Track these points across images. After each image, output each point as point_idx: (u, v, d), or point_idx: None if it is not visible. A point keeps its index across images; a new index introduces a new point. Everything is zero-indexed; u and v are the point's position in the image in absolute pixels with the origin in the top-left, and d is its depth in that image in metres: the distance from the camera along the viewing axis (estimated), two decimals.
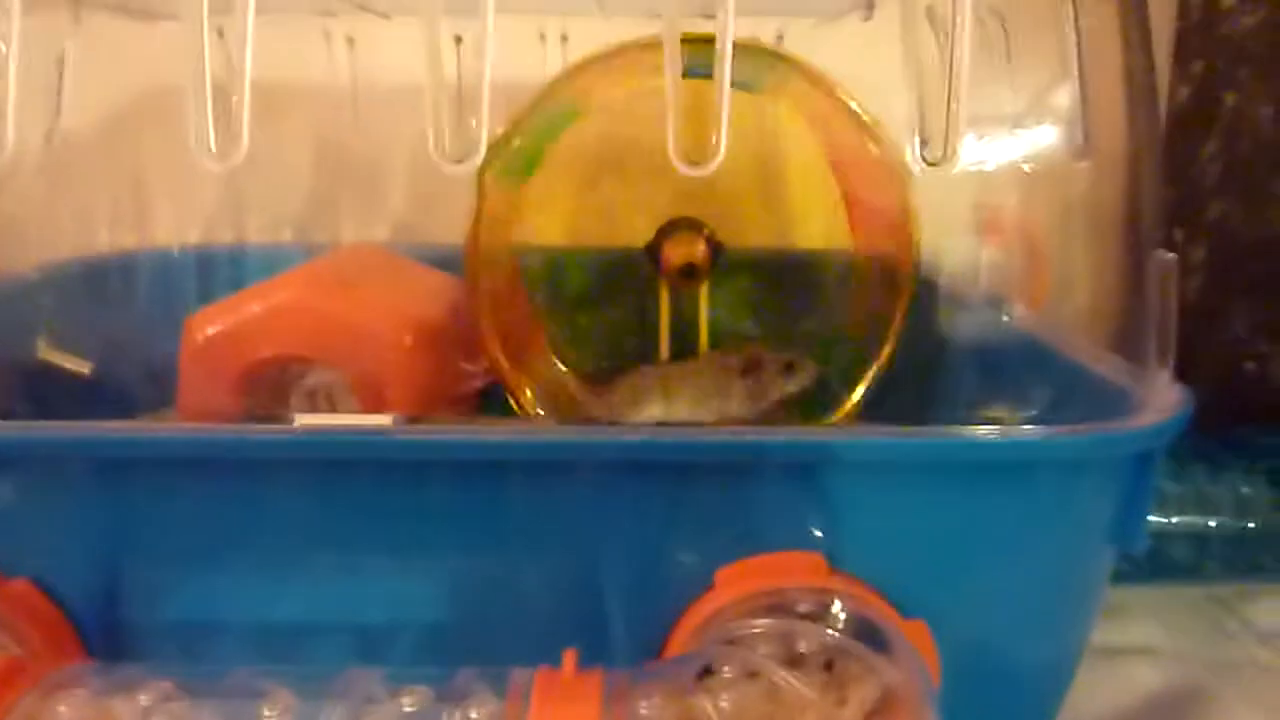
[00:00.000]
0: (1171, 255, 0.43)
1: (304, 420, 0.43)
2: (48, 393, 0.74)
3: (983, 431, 0.44)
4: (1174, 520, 0.78)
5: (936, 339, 0.71)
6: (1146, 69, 0.43)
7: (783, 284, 0.81)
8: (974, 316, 0.64)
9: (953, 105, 0.48)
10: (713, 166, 0.46)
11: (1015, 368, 0.59)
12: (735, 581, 0.42)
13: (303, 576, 0.44)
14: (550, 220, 0.81)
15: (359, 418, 0.42)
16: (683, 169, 0.45)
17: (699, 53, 0.75)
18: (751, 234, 0.81)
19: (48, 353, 0.73)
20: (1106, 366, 0.51)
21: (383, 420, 0.41)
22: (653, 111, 0.83)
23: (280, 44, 0.52)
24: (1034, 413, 0.56)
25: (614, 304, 0.81)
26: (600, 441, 0.44)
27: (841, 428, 0.64)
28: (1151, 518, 0.59)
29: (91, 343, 0.76)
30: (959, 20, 0.44)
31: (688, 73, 0.75)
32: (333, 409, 0.67)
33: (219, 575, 0.45)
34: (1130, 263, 0.46)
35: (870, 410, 0.70)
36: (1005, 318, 0.61)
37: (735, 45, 0.71)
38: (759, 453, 0.43)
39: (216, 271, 0.84)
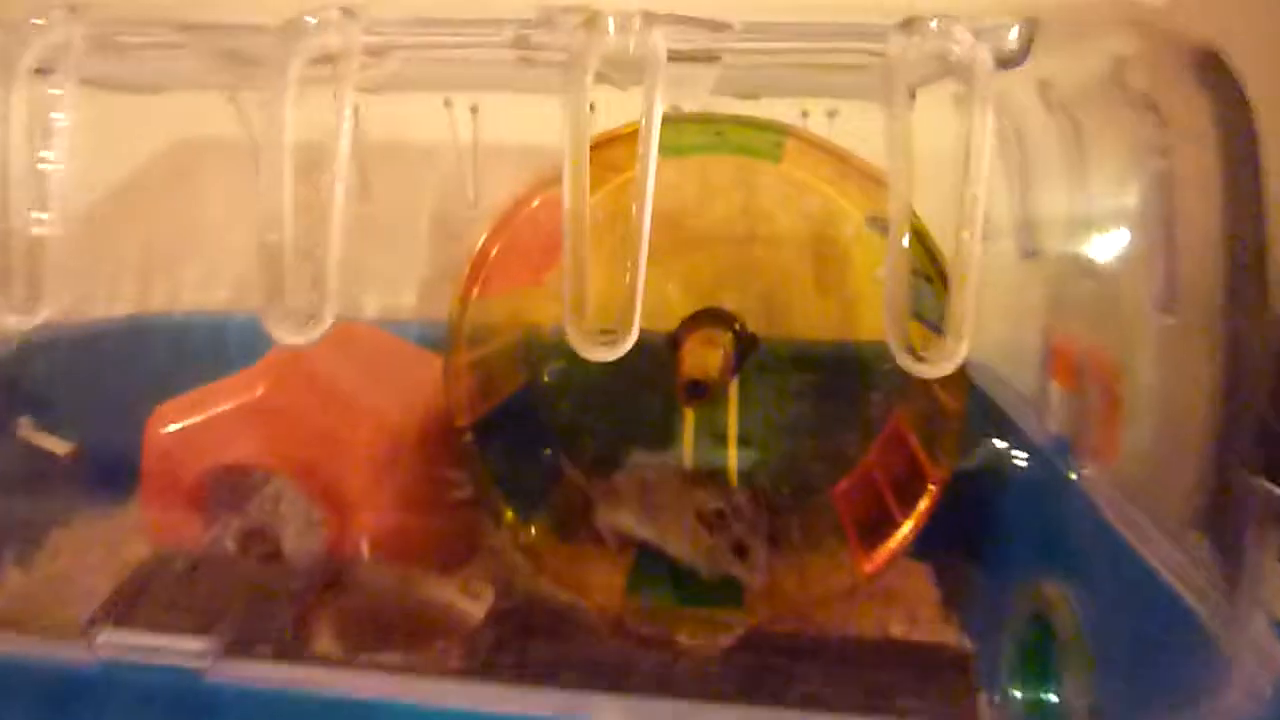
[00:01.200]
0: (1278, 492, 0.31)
1: (108, 637, 0.35)
2: (37, 469, 0.70)
3: None
4: None
5: (993, 472, 0.59)
6: (1256, 237, 0.32)
7: (834, 380, 0.70)
8: (1035, 463, 0.52)
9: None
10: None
11: (1077, 540, 0.47)
12: None
13: None
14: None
15: (166, 640, 0.34)
16: None
17: (709, 129, 0.65)
18: (802, 324, 0.71)
19: (29, 432, 0.69)
20: (1186, 582, 0.38)
21: (194, 645, 0.33)
22: (686, 181, 0.74)
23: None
24: (1096, 608, 0.44)
25: (637, 400, 0.71)
26: None
27: None
28: None
29: (82, 418, 0.71)
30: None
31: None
32: (295, 519, 0.61)
33: None
34: (1218, 470, 0.34)
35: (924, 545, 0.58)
36: (1072, 474, 0.49)
37: (739, 118, 0.62)
38: None
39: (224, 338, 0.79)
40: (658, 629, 0.59)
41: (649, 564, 0.65)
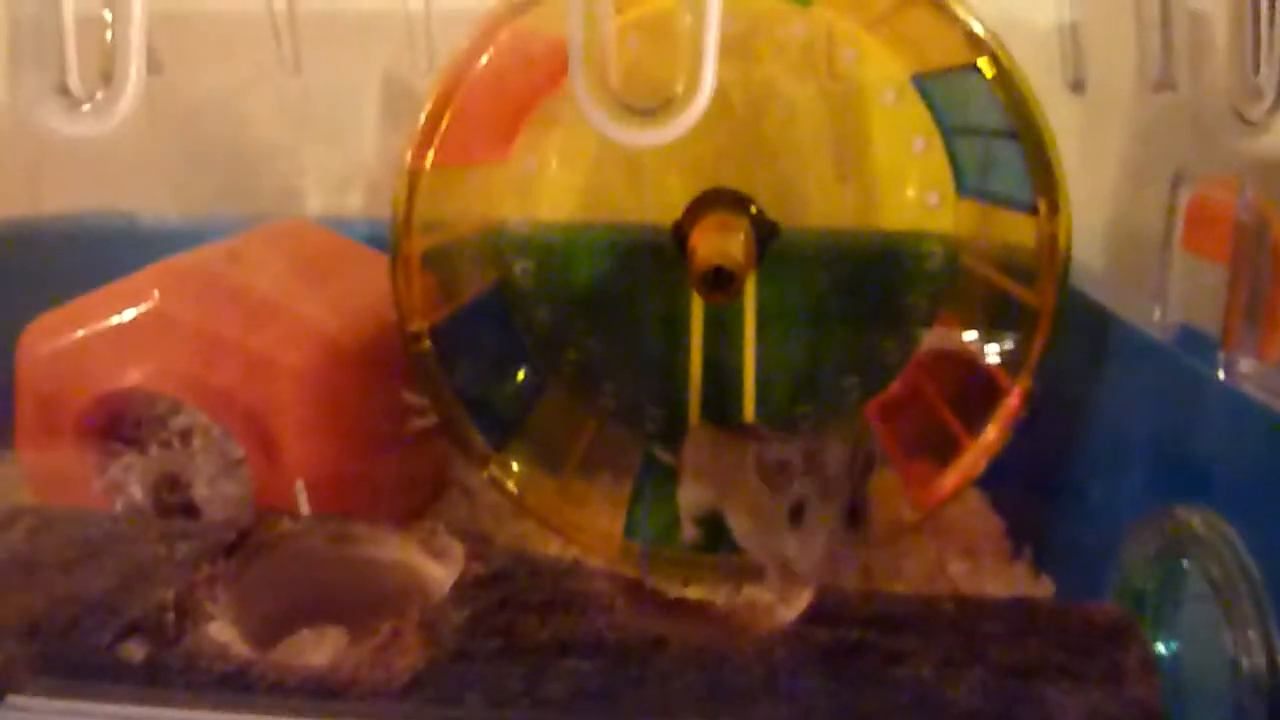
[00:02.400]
0: None
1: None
2: None
3: None
4: None
5: (1099, 382, 0.47)
6: None
7: (865, 276, 0.58)
8: (1162, 361, 0.40)
9: None
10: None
11: (1232, 457, 0.36)
12: None
13: None
14: (558, 193, 0.58)
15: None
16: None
17: None
18: (819, 210, 0.58)
19: None
20: None
21: None
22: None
23: None
24: (1265, 540, 0.32)
25: (632, 304, 0.59)
26: None
27: None
28: None
29: None
30: None
31: None
32: (210, 459, 0.47)
33: None
34: None
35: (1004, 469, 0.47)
36: (1217, 371, 0.37)
37: None
38: None
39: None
40: (677, 589, 0.48)
41: (654, 491, 0.53)
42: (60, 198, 0.71)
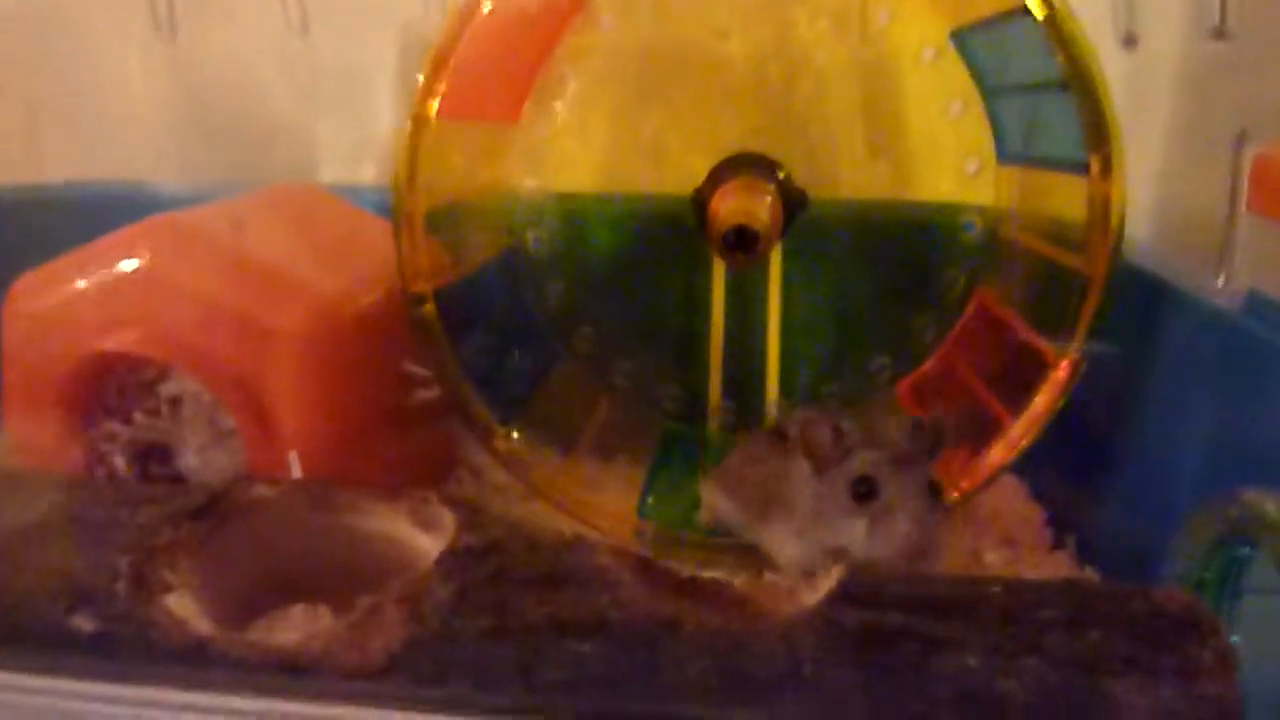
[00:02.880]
0: None
1: None
2: None
3: None
4: None
5: (1152, 357, 0.43)
6: None
7: (898, 249, 0.54)
8: (1226, 331, 0.36)
9: None
10: None
11: None
12: None
13: None
14: (575, 162, 0.55)
15: None
16: None
17: None
18: (850, 182, 0.54)
19: None
20: None
21: None
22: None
23: None
24: None
25: (651, 278, 0.55)
26: None
27: None
28: None
29: None
30: None
31: None
32: (199, 429, 0.45)
33: None
34: None
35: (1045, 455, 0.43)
36: None
37: None
38: None
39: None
40: (688, 568, 0.45)
41: (672, 472, 0.50)
42: (67, 166, 0.69)
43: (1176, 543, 0.38)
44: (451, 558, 0.25)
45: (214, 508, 0.27)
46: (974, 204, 0.52)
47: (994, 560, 0.48)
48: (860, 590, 0.25)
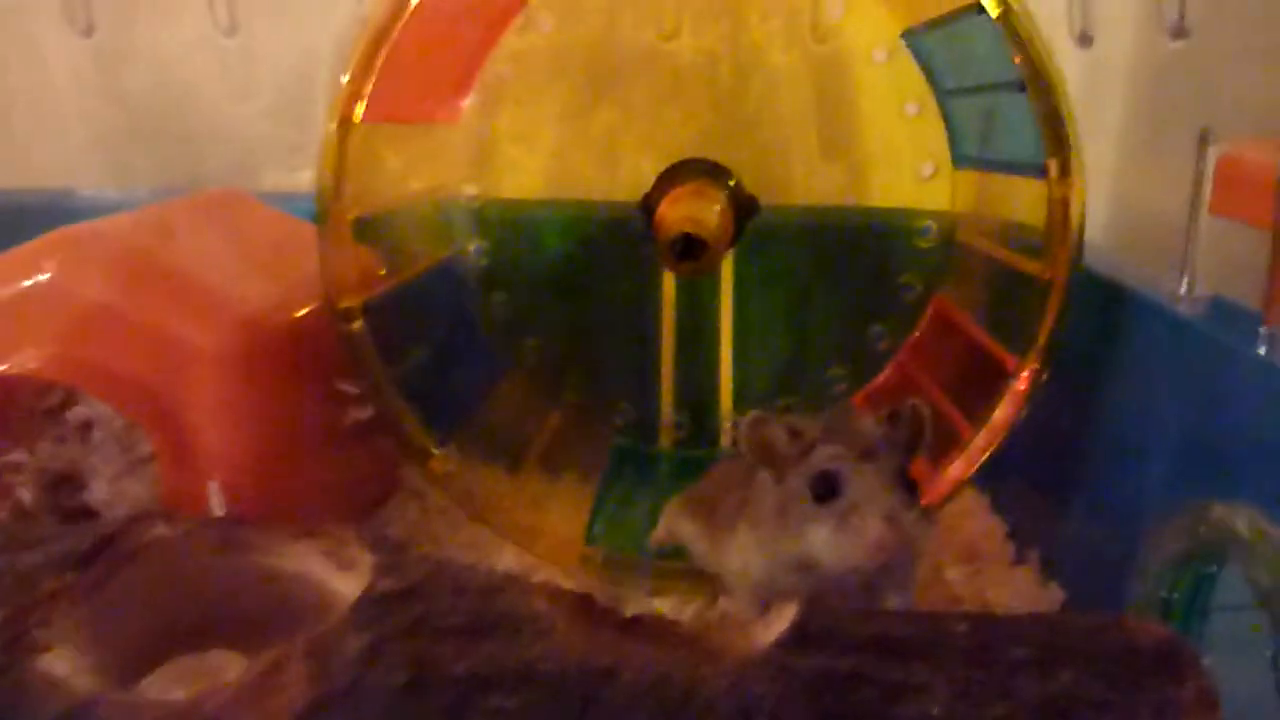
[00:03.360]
0: None
1: None
2: None
3: None
4: None
5: (1114, 365, 0.41)
6: None
7: (851, 256, 0.53)
8: (1190, 339, 0.35)
9: None
10: None
11: (1274, 444, 0.31)
12: None
13: None
14: (519, 167, 0.53)
15: None
16: None
17: None
18: (803, 186, 0.53)
19: None
20: None
21: None
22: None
23: None
24: None
25: (599, 288, 0.53)
26: None
27: None
28: None
29: None
30: None
31: None
32: (112, 456, 0.41)
33: None
34: None
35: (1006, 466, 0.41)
36: (1257, 347, 0.32)
37: None
38: None
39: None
40: (640, 602, 0.42)
41: (621, 492, 0.47)
42: None
43: (1143, 560, 0.37)
44: (367, 605, 0.23)
45: (105, 551, 0.25)
46: (930, 208, 0.50)
47: (955, 576, 0.46)
48: (815, 630, 0.23)
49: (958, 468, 0.41)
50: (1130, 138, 0.44)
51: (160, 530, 0.25)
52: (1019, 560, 0.46)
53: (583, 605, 0.26)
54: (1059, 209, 0.37)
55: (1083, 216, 0.37)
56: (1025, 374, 0.39)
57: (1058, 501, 0.45)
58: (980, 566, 0.47)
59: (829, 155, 0.53)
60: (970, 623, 0.24)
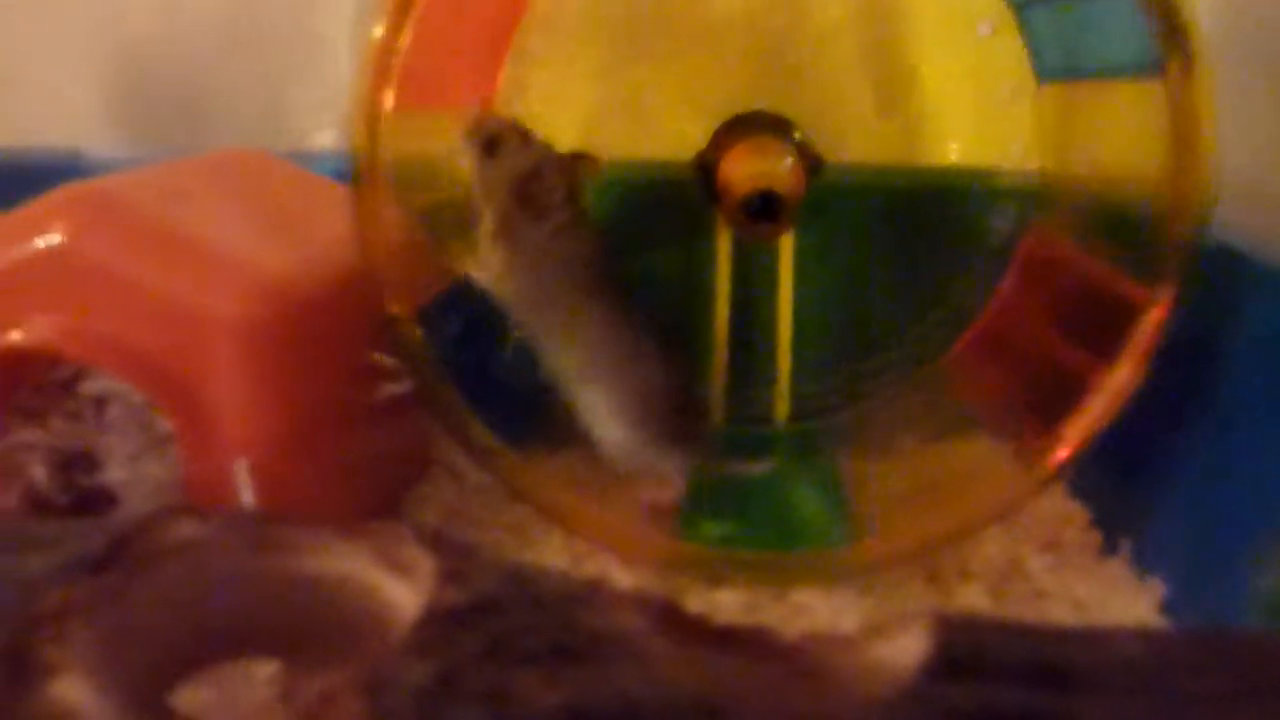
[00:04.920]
0: None
1: None
2: None
3: None
4: None
5: (1244, 344, 0.37)
6: None
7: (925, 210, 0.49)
8: None
9: None
10: None
11: None
12: None
13: None
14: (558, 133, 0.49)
15: None
16: None
17: None
18: (864, 138, 0.49)
19: None
20: None
21: None
22: None
23: None
24: None
25: (648, 256, 0.49)
26: None
27: None
28: None
29: None
30: None
31: None
32: (129, 435, 0.38)
33: None
34: None
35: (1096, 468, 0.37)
36: None
37: None
38: None
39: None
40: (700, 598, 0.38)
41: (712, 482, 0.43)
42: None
43: (1265, 554, 0.33)
44: (432, 622, 0.19)
45: (121, 555, 0.21)
46: (1013, 136, 0.46)
47: (1037, 567, 0.43)
48: (963, 654, 0.19)
49: (1099, 406, 0.36)
50: (1249, 79, 0.40)
51: (185, 529, 0.22)
52: (1108, 551, 0.42)
53: (673, 616, 0.22)
54: (1183, 113, 0.32)
55: (1213, 124, 0.32)
56: (1160, 305, 0.34)
57: (1152, 487, 0.41)
58: (1064, 557, 0.43)
59: (893, 98, 0.50)
60: (1141, 640, 0.20)
